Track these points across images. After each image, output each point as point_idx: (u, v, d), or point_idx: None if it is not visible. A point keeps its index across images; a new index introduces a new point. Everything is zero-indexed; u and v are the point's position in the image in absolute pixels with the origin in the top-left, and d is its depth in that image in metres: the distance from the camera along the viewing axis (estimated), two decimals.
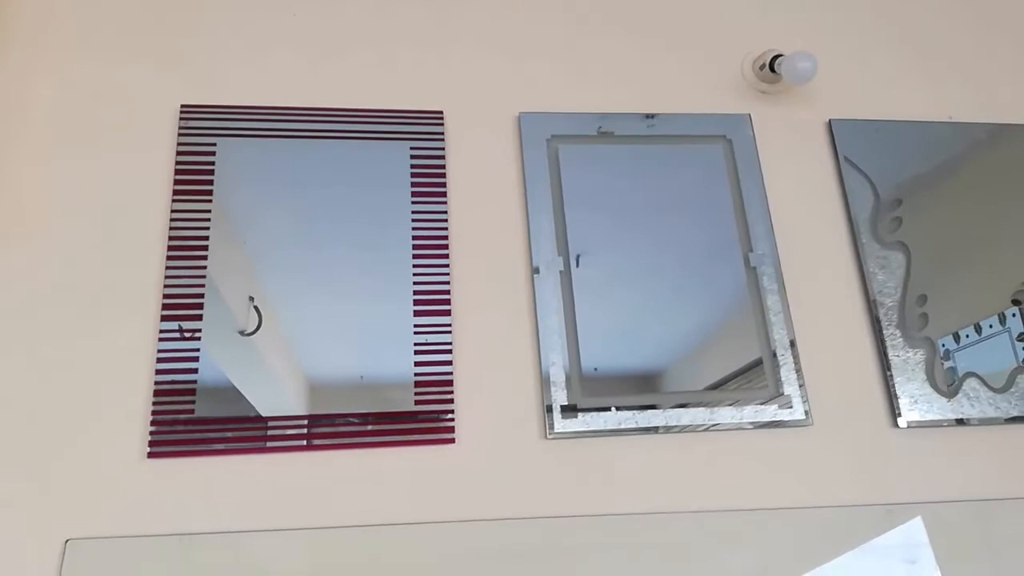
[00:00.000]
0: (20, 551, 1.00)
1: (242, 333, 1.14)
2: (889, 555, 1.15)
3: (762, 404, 1.20)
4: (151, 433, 1.07)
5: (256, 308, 1.16)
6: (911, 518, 1.17)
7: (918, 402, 1.23)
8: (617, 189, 1.31)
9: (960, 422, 1.24)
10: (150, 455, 1.06)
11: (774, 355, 1.23)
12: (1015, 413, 1.25)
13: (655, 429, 1.17)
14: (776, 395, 1.21)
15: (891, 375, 1.24)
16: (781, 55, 1.38)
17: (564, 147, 1.32)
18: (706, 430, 1.18)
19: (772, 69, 1.39)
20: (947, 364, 1.26)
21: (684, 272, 1.27)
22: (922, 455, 1.22)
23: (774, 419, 1.19)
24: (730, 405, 1.19)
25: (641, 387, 1.19)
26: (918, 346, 1.27)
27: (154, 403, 1.09)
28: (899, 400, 1.23)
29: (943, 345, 1.28)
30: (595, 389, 1.18)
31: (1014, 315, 1.32)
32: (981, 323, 1.31)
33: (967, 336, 1.30)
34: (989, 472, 1.22)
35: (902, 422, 1.22)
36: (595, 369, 1.19)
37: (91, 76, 1.28)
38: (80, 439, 1.07)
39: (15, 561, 0.99)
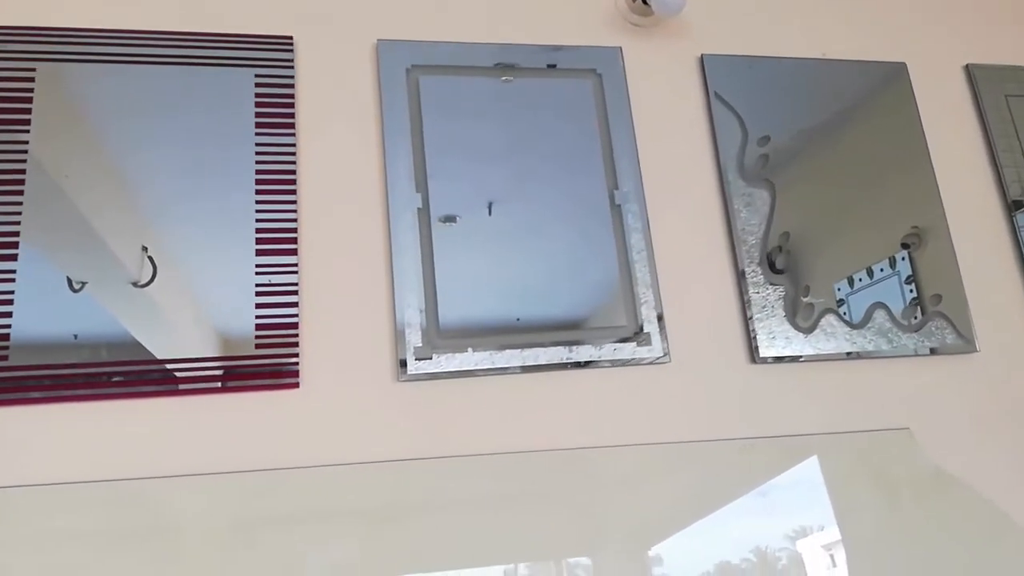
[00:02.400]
0: None
1: (136, 284, 1.06)
2: (744, 488, 1.17)
3: (620, 342, 1.18)
4: None
5: (150, 258, 1.08)
6: (766, 452, 1.19)
7: (776, 338, 1.24)
8: (482, 123, 1.25)
9: (816, 357, 1.25)
10: None
11: (634, 293, 1.21)
12: (871, 347, 1.27)
13: (512, 369, 1.14)
14: (635, 333, 1.19)
15: (750, 312, 1.24)
16: None
17: (425, 78, 1.26)
18: (564, 369, 1.16)
19: (644, 1, 1.35)
20: (806, 300, 1.27)
21: (559, 212, 1.23)
22: (778, 390, 1.23)
23: (632, 357, 1.18)
24: (588, 344, 1.17)
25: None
26: (778, 283, 1.27)
27: None
28: (757, 336, 1.23)
29: (839, 289, 1.28)
30: (454, 331, 1.14)
31: (903, 259, 1.34)
32: (873, 267, 1.32)
33: (860, 280, 1.31)
34: (844, 405, 1.25)
35: (760, 358, 1.23)
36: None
37: None
38: None
39: None
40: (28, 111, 1.11)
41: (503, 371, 1.14)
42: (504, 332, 1.16)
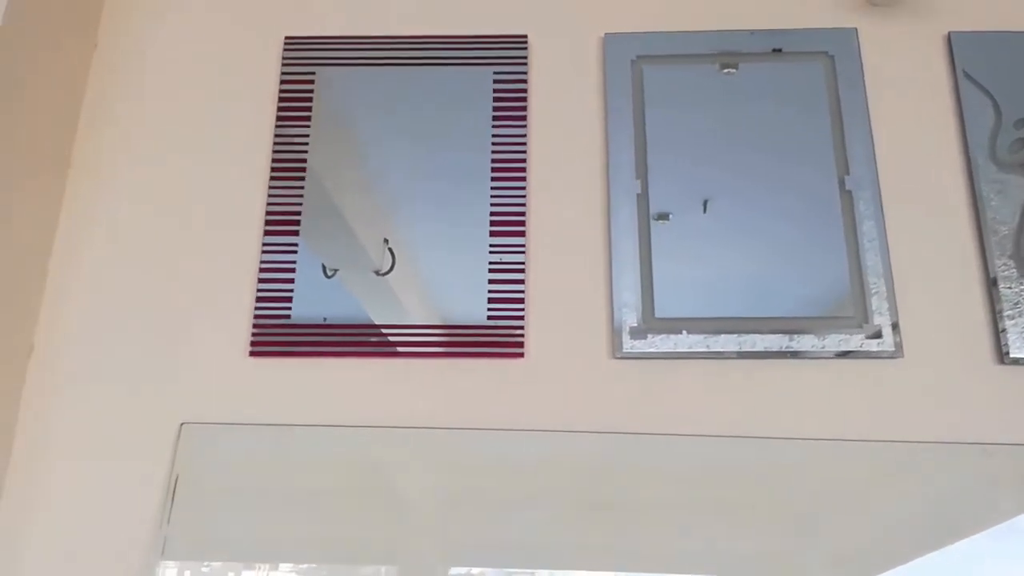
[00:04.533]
0: (143, 432, 1.15)
1: (378, 273, 1.21)
2: (985, 494, 1.07)
3: (847, 333, 1.14)
4: (253, 334, 1.19)
5: (390, 250, 1.22)
6: (1011, 459, 1.09)
7: None
8: (702, 114, 1.26)
9: None
10: (251, 354, 1.18)
11: (863, 283, 1.16)
12: None
13: (727, 354, 1.15)
14: (864, 324, 1.14)
15: (1000, 308, 1.14)
16: None
17: (649, 68, 1.29)
18: (783, 357, 1.15)
19: None
20: None
21: (779, 203, 1.21)
22: None
23: (859, 348, 1.13)
24: (811, 333, 1.14)
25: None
26: None
27: (256, 308, 1.20)
28: (1007, 334, 1.12)
29: None
30: (668, 312, 1.17)
31: None
32: None
33: None
34: None
35: (1010, 359, 1.12)
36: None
37: (205, 11, 1.39)
38: (195, 337, 1.20)
39: (139, 440, 1.15)
40: (309, 109, 1.31)
41: (718, 355, 1.15)
42: (720, 319, 1.16)
